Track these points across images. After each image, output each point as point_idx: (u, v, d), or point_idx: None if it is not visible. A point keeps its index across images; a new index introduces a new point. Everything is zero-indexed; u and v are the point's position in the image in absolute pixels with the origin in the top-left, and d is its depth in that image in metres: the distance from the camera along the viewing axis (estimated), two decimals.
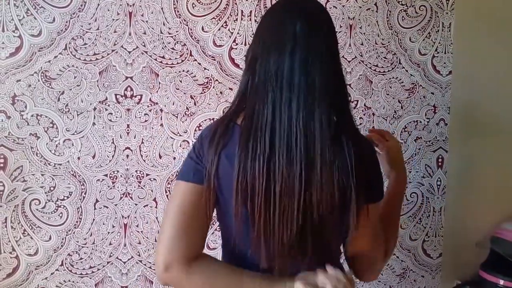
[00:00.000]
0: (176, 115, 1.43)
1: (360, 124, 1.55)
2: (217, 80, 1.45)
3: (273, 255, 0.84)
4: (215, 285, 0.86)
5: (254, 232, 0.84)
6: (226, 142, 0.86)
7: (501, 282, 1.53)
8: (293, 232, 0.83)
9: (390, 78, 1.57)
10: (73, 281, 1.39)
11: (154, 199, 1.43)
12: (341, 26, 1.51)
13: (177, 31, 1.41)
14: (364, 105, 1.55)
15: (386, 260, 1.04)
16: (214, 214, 0.93)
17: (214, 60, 1.44)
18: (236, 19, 1.44)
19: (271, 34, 0.87)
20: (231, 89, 1.45)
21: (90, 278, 1.41)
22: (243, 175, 0.82)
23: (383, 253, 0.99)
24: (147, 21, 1.39)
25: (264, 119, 0.83)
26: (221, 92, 1.45)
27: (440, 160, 1.64)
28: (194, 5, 1.41)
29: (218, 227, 1.47)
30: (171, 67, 1.42)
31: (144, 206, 1.42)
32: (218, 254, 1.46)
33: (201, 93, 1.44)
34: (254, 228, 0.83)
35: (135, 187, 1.41)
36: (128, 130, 1.40)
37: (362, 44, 1.54)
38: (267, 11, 0.94)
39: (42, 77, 1.34)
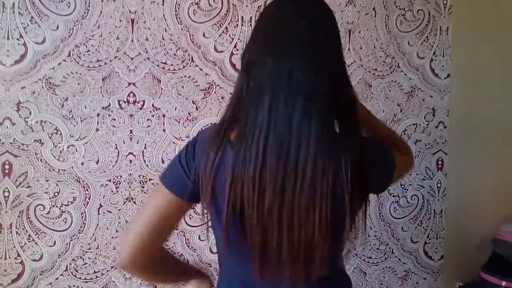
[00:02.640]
0: (178, 120, 1.45)
1: None
2: (218, 85, 1.47)
3: (266, 264, 0.83)
4: (159, 273, 0.96)
5: (247, 243, 0.83)
6: (220, 161, 0.82)
7: (503, 283, 1.54)
8: (282, 243, 0.81)
9: (389, 82, 1.59)
10: (77, 286, 1.40)
11: None
12: (340, 31, 1.53)
13: (178, 37, 1.44)
14: None
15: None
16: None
17: (215, 65, 1.46)
18: (237, 25, 1.47)
19: (270, 35, 0.83)
20: None
21: (95, 283, 1.42)
22: (236, 182, 0.80)
23: None
24: (149, 28, 1.41)
25: (258, 124, 0.79)
26: (222, 97, 1.47)
27: (440, 162, 1.66)
28: (195, 12, 1.44)
29: None
30: (173, 72, 1.44)
31: None
32: None
33: (203, 98, 1.46)
34: (246, 239, 0.83)
35: (138, 191, 1.43)
36: (131, 135, 1.42)
37: (361, 48, 1.56)
38: (262, 12, 0.89)
39: (46, 84, 1.36)
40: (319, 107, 0.79)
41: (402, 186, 1.64)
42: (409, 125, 1.62)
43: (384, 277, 1.64)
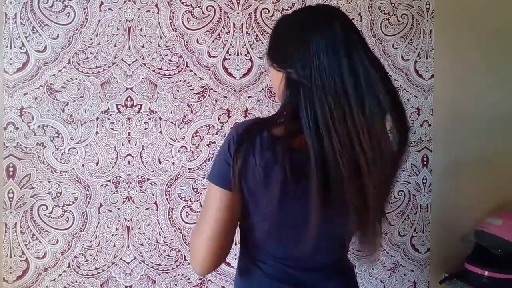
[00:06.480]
0: (174, 123, 1.52)
1: None
2: (212, 88, 1.54)
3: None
4: None
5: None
6: (253, 146, 0.85)
7: (486, 273, 1.61)
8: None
9: None
10: (79, 282, 1.47)
11: (155, 202, 1.51)
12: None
13: (173, 44, 1.50)
14: None
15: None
16: None
17: (209, 70, 1.53)
18: (229, 32, 1.54)
19: (310, 40, 0.85)
20: (225, 97, 1.54)
21: (96, 279, 1.48)
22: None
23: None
24: (145, 35, 1.48)
25: (331, 121, 0.82)
26: (216, 100, 1.54)
27: (425, 159, 1.73)
28: (189, 19, 1.51)
29: None
30: (169, 77, 1.51)
31: (145, 209, 1.51)
32: None
33: (197, 101, 1.53)
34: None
35: (136, 191, 1.50)
36: (129, 137, 1.49)
37: None
38: (283, 24, 0.94)
39: (48, 89, 1.42)
40: (381, 100, 0.84)
41: None
42: None
43: (373, 269, 1.71)
